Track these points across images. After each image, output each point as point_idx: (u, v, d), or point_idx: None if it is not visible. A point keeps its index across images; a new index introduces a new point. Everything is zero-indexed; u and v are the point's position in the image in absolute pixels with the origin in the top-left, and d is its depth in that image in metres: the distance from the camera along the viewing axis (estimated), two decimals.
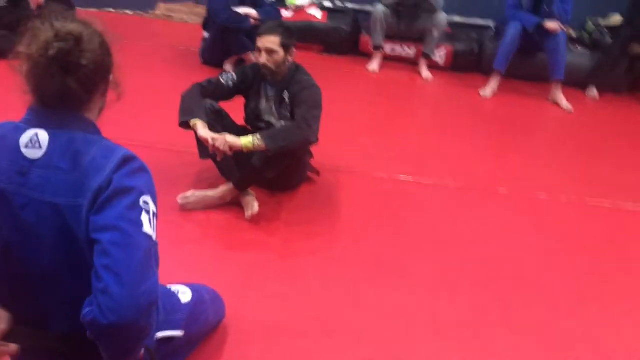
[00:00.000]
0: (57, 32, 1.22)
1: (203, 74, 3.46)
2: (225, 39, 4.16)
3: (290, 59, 2.75)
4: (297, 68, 2.79)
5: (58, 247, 1.25)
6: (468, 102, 4.59)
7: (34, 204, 1.22)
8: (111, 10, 5.43)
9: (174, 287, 1.77)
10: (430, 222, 2.87)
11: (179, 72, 4.21)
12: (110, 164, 1.22)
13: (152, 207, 1.24)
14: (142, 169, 1.28)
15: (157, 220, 1.27)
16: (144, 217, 1.21)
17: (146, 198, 1.23)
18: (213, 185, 2.75)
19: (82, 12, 4.36)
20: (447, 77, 5.02)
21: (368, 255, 2.54)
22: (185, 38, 4.94)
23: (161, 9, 5.50)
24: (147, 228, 1.21)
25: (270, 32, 2.68)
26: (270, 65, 2.69)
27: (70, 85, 1.23)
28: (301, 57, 4.69)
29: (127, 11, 5.46)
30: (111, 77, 1.35)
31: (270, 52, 2.67)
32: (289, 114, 2.72)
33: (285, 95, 2.74)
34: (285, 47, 2.69)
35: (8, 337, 1.33)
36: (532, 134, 4.19)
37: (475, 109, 4.49)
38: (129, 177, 1.23)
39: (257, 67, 2.76)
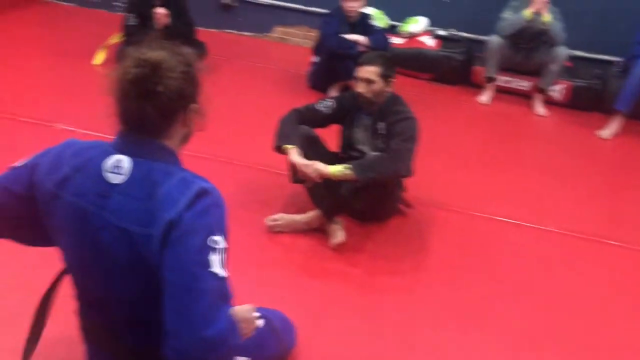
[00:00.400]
0: (136, 58, 1.26)
1: (308, 98, 3.51)
2: (333, 64, 4.20)
3: (388, 89, 2.71)
4: (395, 99, 2.75)
5: (130, 271, 1.28)
6: (584, 142, 4.28)
7: (110, 228, 1.26)
8: (231, 31, 5.69)
9: None
10: (526, 270, 2.68)
11: (286, 94, 4.30)
12: (184, 199, 1.23)
13: (221, 244, 1.24)
14: (215, 205, 1.28)
15: (227, 255, 1.27)
16: (213, 257, 1.22)
17: (215, 237, 1.24)
18: (302, 210, 2.76)
19: (203, 32, 4.68)
20: (564, 114, 4.73)
21: (452, 299, 2.42)
22: (296, 61, 5.05)
23: (277, 32, 5.68)
24: (216, 267, 1.21)
25: (370, 62, 2.67)
26: (368, 94, 2.68)
27: (147, 111, 1.25)
28: (409, 84, 4.69)
29: (246, 33, 5.70)
30: (193, 106, 1.34)
31: (368, 82, 2.66)
32: (383, 145, 2.68)
33: (381, 125, 2.71)
34: (384, 77, 2.66)
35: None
36: None
37: (591, 151, 4.18)
38: (200, 215, 1.24)
39: (355, 96, 2.75)
